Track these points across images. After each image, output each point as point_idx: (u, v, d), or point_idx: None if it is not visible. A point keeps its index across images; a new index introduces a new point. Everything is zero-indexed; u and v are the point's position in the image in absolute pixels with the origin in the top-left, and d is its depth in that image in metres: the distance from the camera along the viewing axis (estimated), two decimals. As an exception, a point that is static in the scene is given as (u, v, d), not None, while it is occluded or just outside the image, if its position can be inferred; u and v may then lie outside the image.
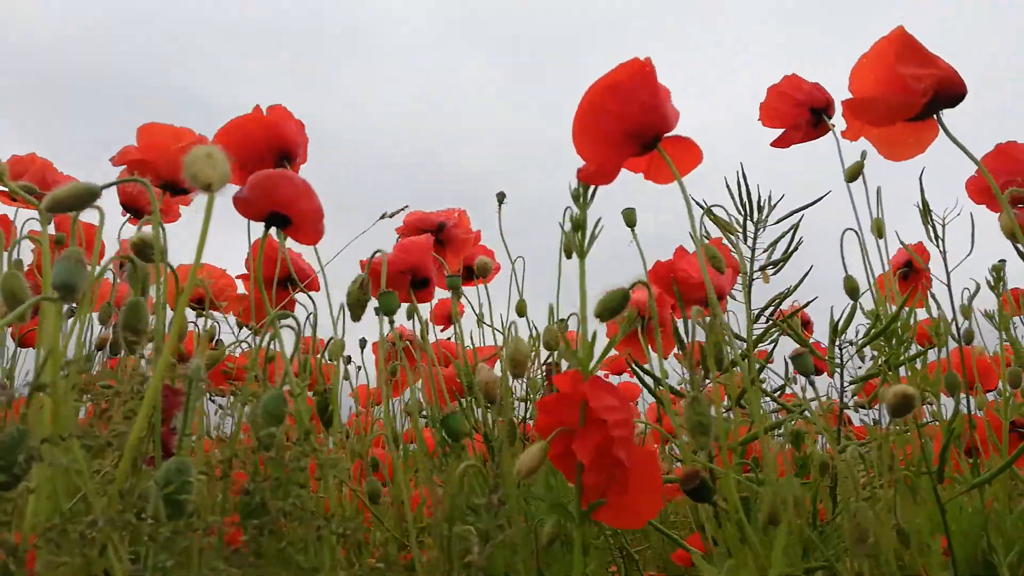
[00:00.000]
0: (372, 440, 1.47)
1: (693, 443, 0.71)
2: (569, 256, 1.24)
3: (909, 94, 0.92)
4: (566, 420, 0.78)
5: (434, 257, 1.32)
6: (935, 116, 0.94)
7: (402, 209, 1.43)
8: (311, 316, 1.15)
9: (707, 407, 0.69)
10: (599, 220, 0.76)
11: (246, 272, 1.34)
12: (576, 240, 0.75)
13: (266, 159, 1.21)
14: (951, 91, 0.92)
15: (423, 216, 1.50)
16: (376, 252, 1.13)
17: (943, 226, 1.15)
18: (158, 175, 1.13)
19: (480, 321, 1.49)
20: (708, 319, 0.84)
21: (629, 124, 0.86)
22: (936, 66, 0.91)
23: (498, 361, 1.47)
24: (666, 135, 0.88)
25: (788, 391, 1.28)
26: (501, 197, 1.48)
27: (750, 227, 1.25)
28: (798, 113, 1.23)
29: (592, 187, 0.82)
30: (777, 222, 1.27)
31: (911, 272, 1.40)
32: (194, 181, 0.66)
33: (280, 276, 1.26)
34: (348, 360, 1.71)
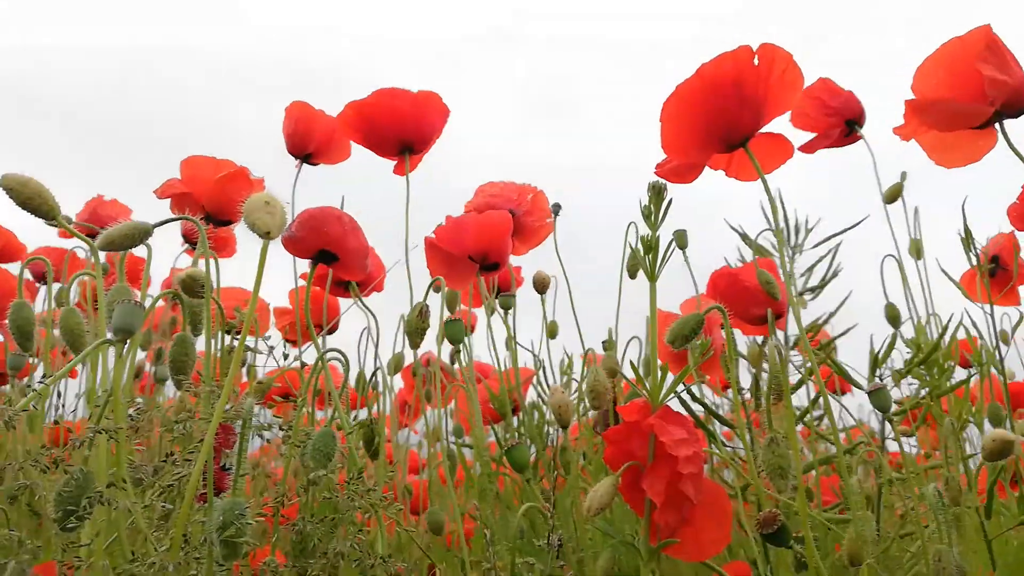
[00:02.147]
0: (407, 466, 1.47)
1: (772, 486, 0.70)
2: (633, 276, 1.22)
3: (979, 100, 0.87)
4: (633, 451, 0.77)
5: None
6: (996, 125, 0.90)
7: None
8: (365, 330, 1.15)
9: (786, 448, 0.68)
10: (671, 241, 0.74)
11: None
12: (647, 261, 0.74)
13: (391, 144, 1.23)
14: (1020, 101, 0.88)
15: (492, 195, 1.38)
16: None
17: (986, 254, 1.14)
18: (202, 207, 1.15)
19: (511, 341, 1.46)
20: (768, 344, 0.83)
21: (726, 122, 0.82)
22: (1013, 73, 0.86)
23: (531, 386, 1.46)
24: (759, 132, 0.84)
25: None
26: (556, 208, 1.41)
27: (787, 252, 1.24)
28: (830, 123, 1.21)
29: (665, 205, 0.79)
30: (814, 247, 1.26)
31: (999, 269, 1.32)
32: (253, 229, 0.67)
33: (343, 277, 1.23)
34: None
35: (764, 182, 0.82)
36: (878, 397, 0.88)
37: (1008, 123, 0.91)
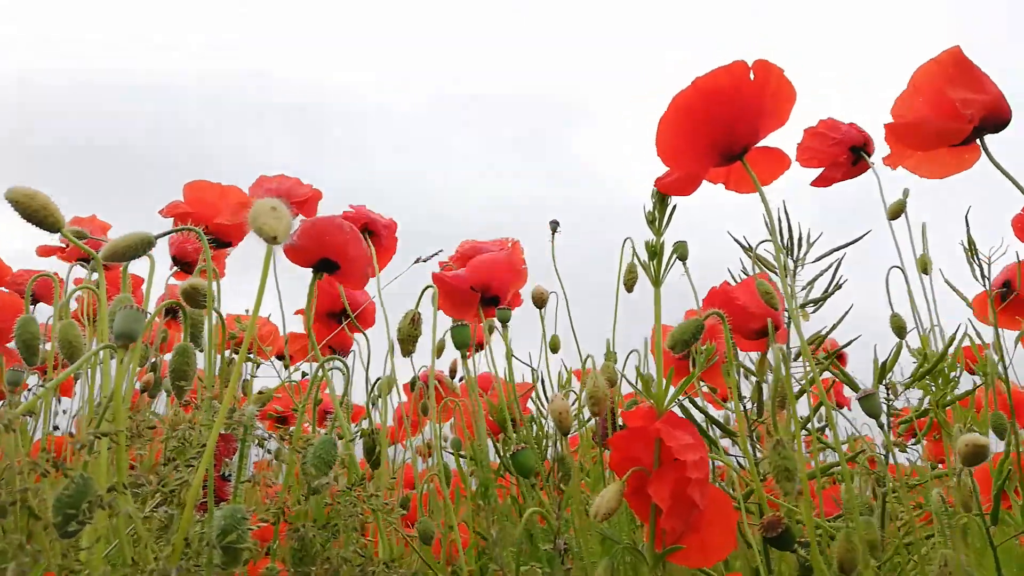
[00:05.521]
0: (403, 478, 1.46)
1: (779, 489, 0.69)
2: (630, 290, 1.24)
3: (956, 119, 0.89)
4: (638, 457, 0.77)
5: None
6: (979, 141, 0.92)
7: (437, 253, 1.42)
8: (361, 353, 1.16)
9: (792, 451, 0.68)
10: (675, 247, 0.75)
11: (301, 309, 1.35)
12: (652, 268, 0.74)
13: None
14: (998, 117, 0.90)
15: (476, 245, 1.45)
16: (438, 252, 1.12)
17: (989, 265, 1.14)
18: (205, 228, 1.15)
19: (510, 356, 1.46)
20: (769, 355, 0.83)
21: (723, 134, 0.82)
22: (986, 91, 0.88)
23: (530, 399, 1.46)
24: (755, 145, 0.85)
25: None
26: (554, 226, 1.45)
27: (790, 264, 1.24)
28: (837, 152, 1.22)
29: (669, 211, 0.80)
30: (817, 259, 1.26)
31: (1009, 293, 1.31)
32: (260, 234, 0.67)
33: (335, 310, 1.26)
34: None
35: (762, 194, 0.82)
36: (868, 402, 0.88)
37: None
